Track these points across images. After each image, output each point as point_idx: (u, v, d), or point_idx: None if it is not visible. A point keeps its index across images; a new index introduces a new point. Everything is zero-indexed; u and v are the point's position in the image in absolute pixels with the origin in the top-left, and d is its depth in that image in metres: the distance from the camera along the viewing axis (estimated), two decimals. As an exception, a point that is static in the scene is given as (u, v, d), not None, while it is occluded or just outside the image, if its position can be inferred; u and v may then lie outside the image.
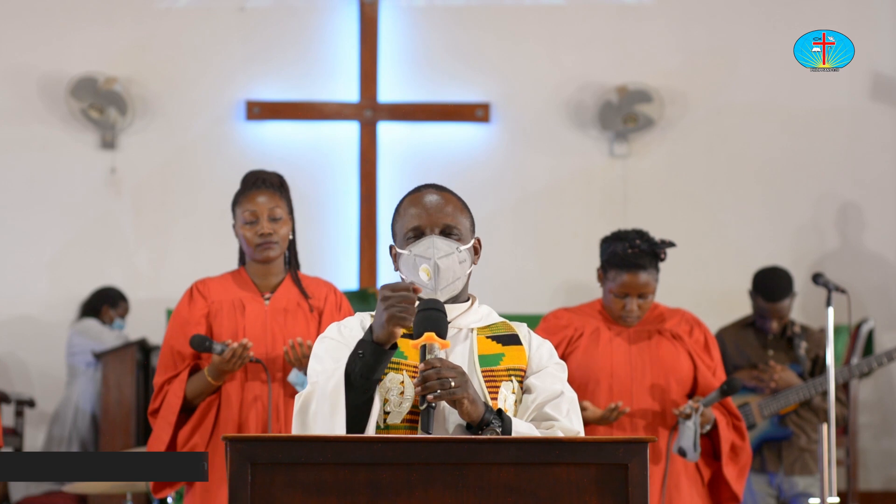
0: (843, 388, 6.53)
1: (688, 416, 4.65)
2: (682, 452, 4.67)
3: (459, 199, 3.26)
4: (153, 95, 9.06)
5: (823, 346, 6.50)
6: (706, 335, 4.95)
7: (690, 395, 4.86)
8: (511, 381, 3.16)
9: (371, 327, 3.06)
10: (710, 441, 4.86)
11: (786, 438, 6.39)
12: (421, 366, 3.01)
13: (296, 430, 3.07)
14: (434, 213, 3.19)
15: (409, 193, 3.26)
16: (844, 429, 6.66)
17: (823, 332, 6.52)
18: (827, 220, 9.17)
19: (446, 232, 3.18)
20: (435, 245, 3.15)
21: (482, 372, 3.14)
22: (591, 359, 4.82)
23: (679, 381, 4.83)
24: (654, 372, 4.82)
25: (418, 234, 3.18)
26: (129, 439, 8.15)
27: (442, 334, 3.06)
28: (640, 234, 4.88)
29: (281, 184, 4.66)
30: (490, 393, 3.12)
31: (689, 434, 4.65)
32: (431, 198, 3.22)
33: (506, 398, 3.13)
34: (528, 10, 9.23)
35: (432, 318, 3.07)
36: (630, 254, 4.82)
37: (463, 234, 3.21)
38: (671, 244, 4.89)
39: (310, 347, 4.39)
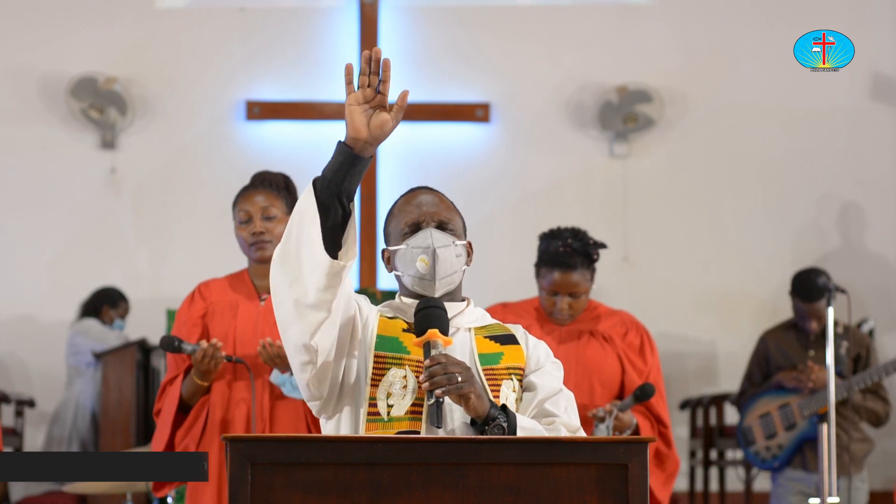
0: (881, 385, 6.54)
1: (601, 420, 4.61)
2: None
3: (451, 201, 3.31)
4: (153, 95, 9.07)
5: (865, 344, 6.52)
6: (644, 338, 4.86)
7: (620, 399, 4.81)
8: (511, 379, 3.18)
9: None
10: None
11: None
12: (426, 362, 3.03)
13: (273, 271, 3.04)
14: (430, 209, 3.23)
15: (402, 195, 3.30)
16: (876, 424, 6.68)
17: (865, 331, 6.53)
18: (827, 220, 9.17)
19: (442, 227, 3.22)
20: (433, 235, 3.19)
21: (483, 370, 3.16)
22: None
23: (603, 383, 4.77)
24: (578, 373, 4.76)
25: (415, 228, 3.21)
26: (129, 439, 8.15)
27: (444, 331, 3.09)
28: (575, 234, 4.80)
29: (286, 185, 4.66)
30: (492, 391, 3.13)
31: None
32: (426, 197, 3.26)
33: (507, 396, 3.15)
34: (528, 10, 9.23)
35: (434, 314, 3.10)
36: (561, 252, 4.75)
37: (457, 232, 3.25)
38: (602, 245, 4.81)
39: (280, 347, 4.41)
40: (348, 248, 3.01)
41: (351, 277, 3.10)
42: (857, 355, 6.47)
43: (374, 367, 3.12)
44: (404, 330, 3.16)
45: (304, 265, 2.98)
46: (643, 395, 4.64)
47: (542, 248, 4.84)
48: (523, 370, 3.22)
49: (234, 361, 4.48)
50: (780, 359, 6.61)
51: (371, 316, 3.19)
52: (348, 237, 3.02)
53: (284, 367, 4.37)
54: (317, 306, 2.99)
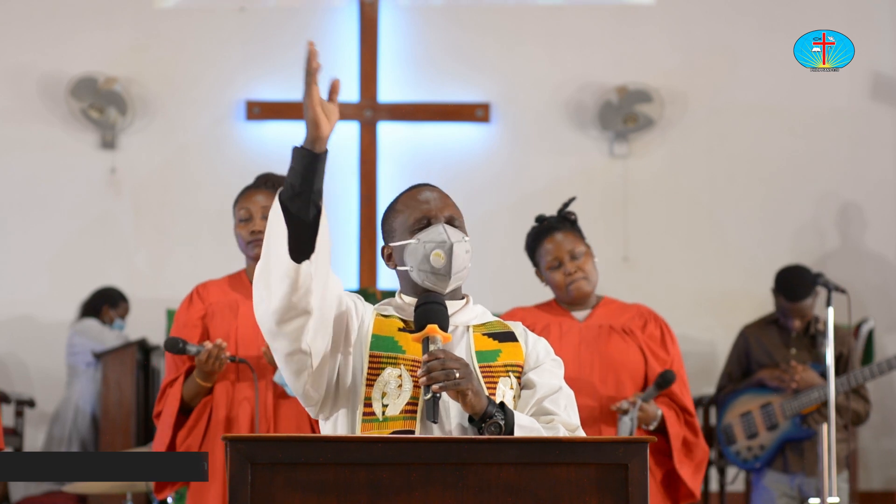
0: (863, 385, 6.52)
1: (625, 412, 4.62)
2: None
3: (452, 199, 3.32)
4: (153, 95, 9.07)
5: (848, 343, 6.50)
6: (663, 329, 4.87)
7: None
8: (509, 377, 3.18)
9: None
10: (662, 438, 4.80)
11: (808, 438, 6.36)
12: (425, 356, 3.02)
13: (254, 289, 3.03)
14: (439, 204, 3.24)
15: (405, 192, 3.30)
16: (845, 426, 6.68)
17: (849, 329, 6.52)
18: (827, 220, 9.18)
19: (451, 223, 3.23)
20: (447, 231, 3.19)
21: (480, 368, 3.15)
22: None
23: (630, 376, 4.76)
24: (603, 367, 4.77)
25: (425, 224, 3.22)
26: (129, 439, 8.15)
27: (444, 327, 3.08)
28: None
29: None
30: (488, 389, 3.12)
31: (624, 430, 4.59)
32: (431, 193, 3.27)
33: (504, 394, 3.15)
34: (528, 10, 9.23)
35: (433, 310, 3.10)
36: (538, 226, 4.85)
37: (464, 229, 3.26)
38: (572, 199, 4.93)
39: None
40: (321, 247, 2.98)
41: (338, 275, 3.10)
42: (840, 354, 6.45)
43: (369, 367, 3.11)
44: (400, 329, 3.16)
45: (273, 275, 2.97)
46: (664, 382, 4.65)
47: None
48: (521, 367, 3.21)
49: (238, 362, 4.49)
50: (760, 355, 6.57)
51: (367, 315, 3.18)
52: (322, 235, 2.99)
53: None
54: (293, 312, 2.97)
